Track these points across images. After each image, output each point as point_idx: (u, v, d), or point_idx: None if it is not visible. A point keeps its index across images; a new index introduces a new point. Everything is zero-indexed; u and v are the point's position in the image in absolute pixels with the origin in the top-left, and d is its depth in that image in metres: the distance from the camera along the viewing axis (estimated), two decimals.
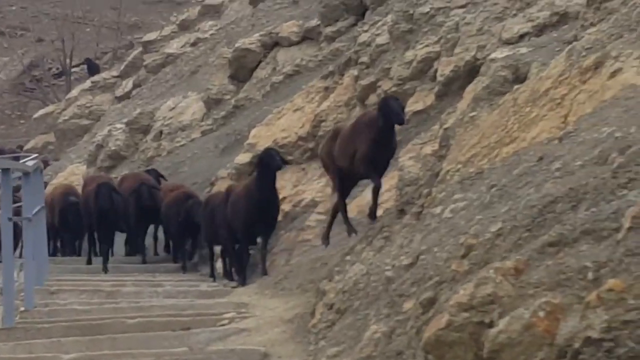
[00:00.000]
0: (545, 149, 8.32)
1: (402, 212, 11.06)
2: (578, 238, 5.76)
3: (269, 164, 16.39)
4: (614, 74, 9.14)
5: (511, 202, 7.32)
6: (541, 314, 5.46)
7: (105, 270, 19.71)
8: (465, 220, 7.99)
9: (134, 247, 22.80)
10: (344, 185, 14.72)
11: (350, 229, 14.23)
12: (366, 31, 23.63)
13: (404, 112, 14.15)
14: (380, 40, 22.03)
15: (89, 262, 20.70)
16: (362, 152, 13.45)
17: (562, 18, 15.34)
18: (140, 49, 50.97)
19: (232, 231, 17.45)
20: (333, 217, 14.83)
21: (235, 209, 17.02)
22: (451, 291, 6.35)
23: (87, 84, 52.64)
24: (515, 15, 17.45)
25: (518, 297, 5.67)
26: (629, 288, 5.39)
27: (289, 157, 18.39)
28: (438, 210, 9.28)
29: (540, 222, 6.42)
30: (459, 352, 5.76)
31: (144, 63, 45.96)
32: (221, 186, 20.67)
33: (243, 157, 22.69)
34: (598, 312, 5.37)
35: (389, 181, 15.44)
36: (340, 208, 14.75)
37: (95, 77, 54.03)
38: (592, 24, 12.49)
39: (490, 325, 5.65)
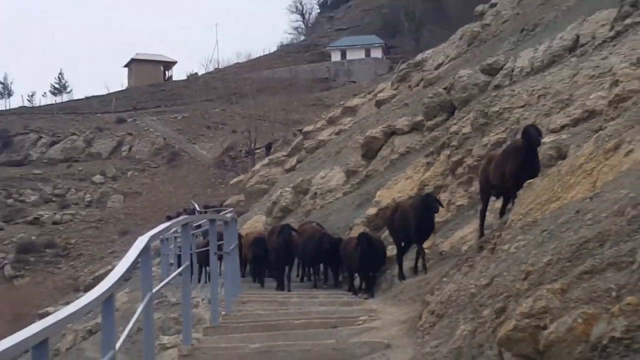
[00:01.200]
0: (580, 205, 8.24)
1: (481, 247, 10.96)
2: (605, 268, 5.74)
3: (426, 207, 16.02)
4: (628, 153, 9.02)
5: (557, 242, 7.25)
6: (579, 320, 5.45)
7: (289, 289, 19.14)
8: (525, 254, 7.92)
9: (306, 276, 22.20)
10: (488, 200, 14.49)
11: (482, 230, 14.14)
12: (455, 124, 23.52)
13: (542, 137, 13.66)
14: (465, 130, 21.90)
15: (278, 286, 19.71)
16: (511, 169, 13.13)
17: (591, 114, 15.16)
18: (301, 136, 51.35)
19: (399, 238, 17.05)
20: (482, 220, 14.58)
21: (404, 221, 16.61)
22: (516, 303, 6.33)
23: (266, 161, 53.36)
24: (558, 112, 17.28)
25: (563, 309, 5.65)
26: None
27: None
28: (506, 247, 9.21)
29: (578, 256, 6.37)
30: (522, 347, 5.77)
31: (304, 146, 46.27)
32: (356, 230, 20.48)
33: (371, 211, 22.62)
34: (620, 320, 5.35)
35: (472, 226, 15.33)
36: (481, 215, 14.48)
37: (271, 156, 54.78)
38: (612, 118, 12.34)
39: (544, 328, 5.65)
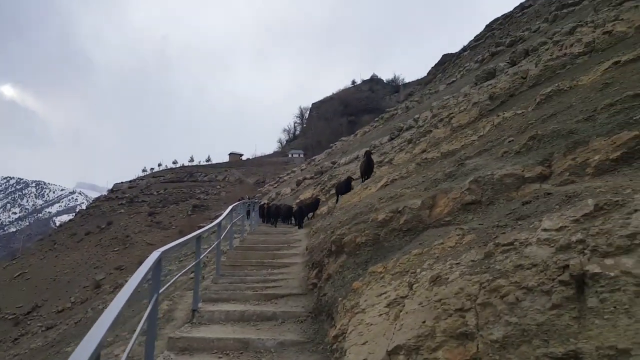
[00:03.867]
0: (356, 203, 7.98)
1: (328, 213, 10.43)
2: (360, 222, 5.27)
3: (347, 182, 11.58)
4: (370, 189, 8.70)
5: (348, 213, 6.77)
6: (352, 236, 4.83)
7: (275, 225, 15.65)
8: (340, 216, 7.36)
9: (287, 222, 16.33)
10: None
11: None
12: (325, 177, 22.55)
13: (371, 155, 11.16)
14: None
15: (274, 225, 15.92)
16: (362, 171, 10.51)
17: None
18: (278, 179, 48.35)
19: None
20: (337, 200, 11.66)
21: None
22: (335, 231, 5.80)
23: (267, 185, 48.23)
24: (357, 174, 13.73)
25: (348, 234, 4.95)
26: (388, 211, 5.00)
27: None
28: (336, 214, 8.72)
29: (353, 218, 5.93)
30: (337, 243, 5.23)
31: (278, 181, 44.02)
32: (296, 205, 17.88)
33: (299, 200, 20.95)
34: (364, 235, 4.76)
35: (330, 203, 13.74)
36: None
37: (267, 183, 49.40)
38: (365, 180, 11.29)
39: (343, 237, 5.15)
